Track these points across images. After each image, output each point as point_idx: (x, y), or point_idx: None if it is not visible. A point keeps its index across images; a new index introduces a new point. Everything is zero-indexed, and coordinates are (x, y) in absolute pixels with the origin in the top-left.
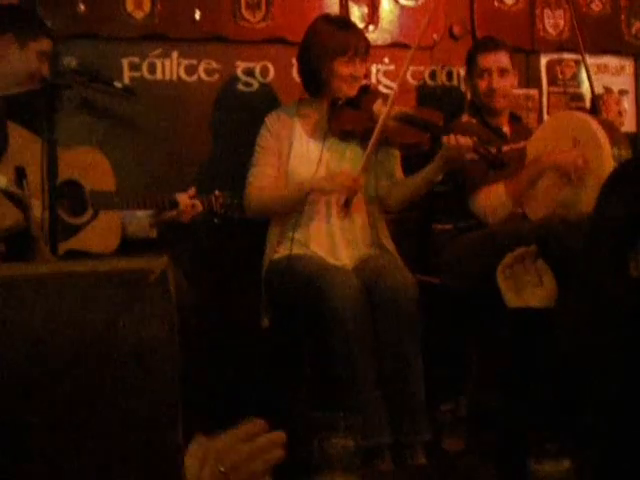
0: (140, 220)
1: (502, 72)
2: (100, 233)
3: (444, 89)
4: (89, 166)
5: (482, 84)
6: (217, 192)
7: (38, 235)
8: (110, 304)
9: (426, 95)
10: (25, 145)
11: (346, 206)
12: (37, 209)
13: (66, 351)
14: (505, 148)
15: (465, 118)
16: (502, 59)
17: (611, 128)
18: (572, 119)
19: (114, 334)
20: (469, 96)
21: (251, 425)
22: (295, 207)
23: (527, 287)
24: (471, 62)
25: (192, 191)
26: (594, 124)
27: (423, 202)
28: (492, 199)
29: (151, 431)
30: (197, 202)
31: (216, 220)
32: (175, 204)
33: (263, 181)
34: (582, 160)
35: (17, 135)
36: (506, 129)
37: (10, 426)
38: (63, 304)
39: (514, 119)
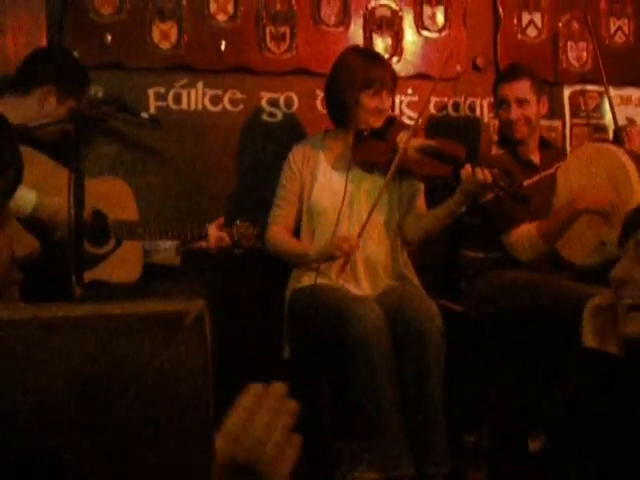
0: (167, 248)
1: (520, 102)
2: (122, 263)
3: (467, 120)
4: (112, 196)
5: (502, 114)
6: (239, 222)
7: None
8: (147, 346)
9: (449, 126)
10: (51, 176)
11: (343, 267)
12: None
13: (103, 391)
14: (535, 178)
15: (494, 150)
16: (520, 88)
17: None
18: (603, 152)
19: (151, 375)
20: (497, 126)
21: (245, 397)
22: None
23: (608, 331)
24: (495, 92)
25: (221, 220)
26: (625, 158)
27: (451, 230)
28: (524, 239)
29: (186, 470)
30: (225, 234)
31: (236, 251)
32: (205, 235)
33: (281, 224)
34: (613, 197)
35: (43, 165)
36: (535, 158)
37: (47, 464)
38: (100, 345)
39: (544, 145)
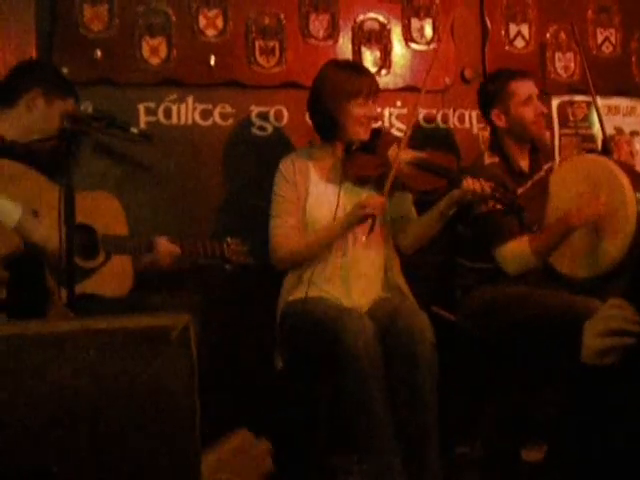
0: None
1: (538, 97)
2: (112, 277)
3: (456, 131)
4: (102, 210)
5: (529, 111)
6: (229, 239)
7: (53, 287)
8: (134, 360)
9: (438, 138)
10: (42, 191)
11: (371, 229)
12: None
13: (91, 404)
14: (527, 186)
15: (487, 159)
16: (534, 86)
17: (632, 172)
18: (594, 163)
19: (138, 388)
20: (490, 133)
21: (238, 437)
22: (323, 250)
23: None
24: (503, 92)
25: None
26: (616, 169)
27: (448, 239)
28: (517, 254)
29: (172, 477)
30: (177, 247)
31: (227, 267)
32: (151, 247)
33: (285, 232)
34: (605, 207)
35: (34, 181)
36: (525, 165)
37: (39, 474)
38: (88, 359)
39: (533, 151)
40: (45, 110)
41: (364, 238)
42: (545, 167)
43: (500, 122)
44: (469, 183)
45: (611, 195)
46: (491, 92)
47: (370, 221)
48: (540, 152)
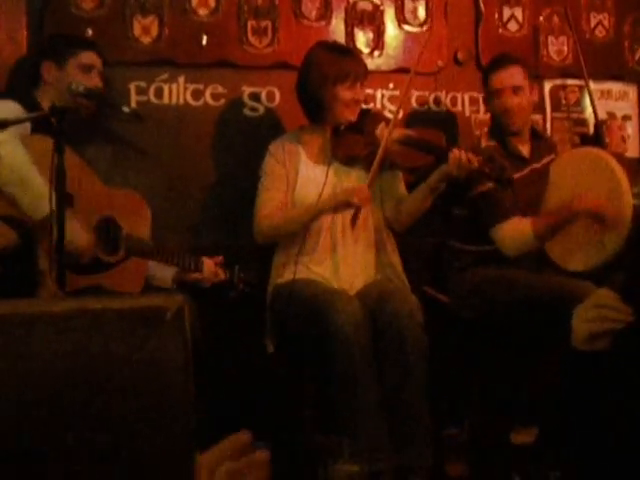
0: (165, 273)
1: (515, 90)
2: (127, 275)
3: (448, 114)
4: (131, 210)
5: (498, 104)
6: (237, 267)
7: (45, 268)
8: (127, 341)
9: (430, 120)
10: (73, 170)
11: (354, 220)
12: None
13: (84, 387)
14: (525, 171)
15: (484, 143)
16: (515, 76)
17: (630, 166)
18: (594, 157)
19: (131, 370)
20: (489, 118)
21: (236, 439)
22: (304, 227)
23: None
24: (486, 83)
25: (219, 259)
26: (614, 164)
27: (440, 221)
28: (517, 234)
29: (168, 464)
30: (221, 271)
31: (232, 293)
32: (200, 267)
33: (272, 207)
34: (607, 200)
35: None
36: (525, 150)
37: (30, 458)
38: (81, 340)
39: (535, 136)
40: (59, 74)
41: (351, 226)
42: (546, 159)
43: (488, 109)
44: (455, 155)
45: (609, 190)
46: (483, 80)
47: (354, 210)
48: (542, 140)
